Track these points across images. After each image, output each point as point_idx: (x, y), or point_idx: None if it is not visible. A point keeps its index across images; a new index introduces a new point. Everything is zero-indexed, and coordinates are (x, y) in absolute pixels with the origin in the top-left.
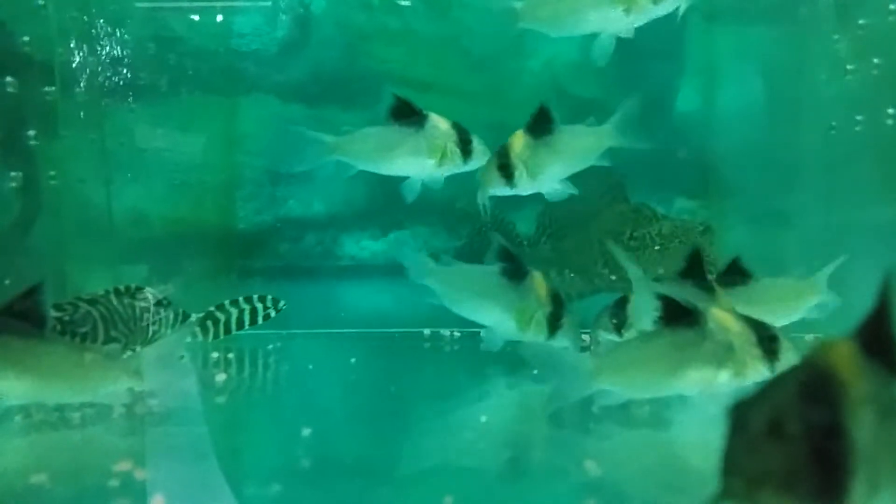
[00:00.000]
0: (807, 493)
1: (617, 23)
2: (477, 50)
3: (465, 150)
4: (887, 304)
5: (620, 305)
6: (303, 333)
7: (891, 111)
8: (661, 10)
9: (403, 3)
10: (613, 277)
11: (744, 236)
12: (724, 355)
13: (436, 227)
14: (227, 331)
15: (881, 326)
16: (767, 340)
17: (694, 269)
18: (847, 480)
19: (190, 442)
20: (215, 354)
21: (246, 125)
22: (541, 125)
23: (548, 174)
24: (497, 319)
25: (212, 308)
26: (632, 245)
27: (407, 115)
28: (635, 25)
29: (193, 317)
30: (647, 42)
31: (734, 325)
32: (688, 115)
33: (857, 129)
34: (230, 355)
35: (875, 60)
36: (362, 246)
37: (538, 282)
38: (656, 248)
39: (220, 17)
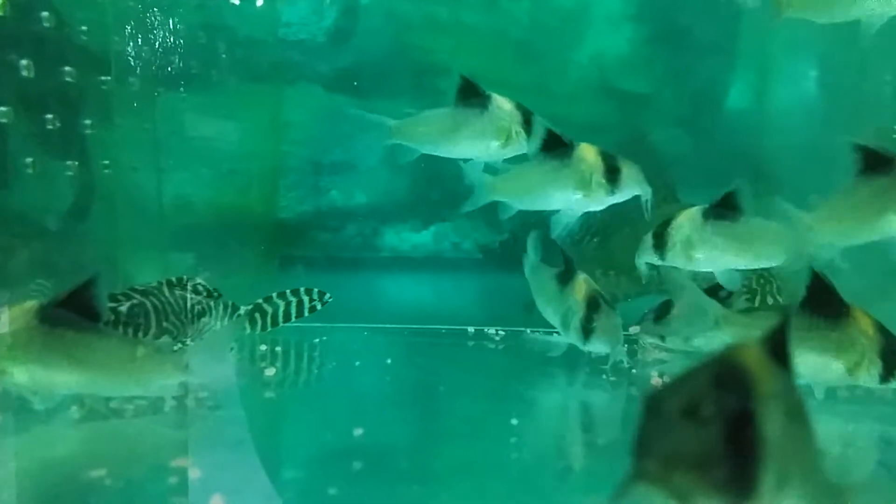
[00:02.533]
0: (719, 477)
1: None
2: (525, 42)
3: (530, 132)
4: (787, 321)
5: (664, 308)
6: (344, 327)
7: None
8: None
9: None
10: (662, 279)
11: None
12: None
13: (477, 220)
14: (275, 323)
15: (783, 338)
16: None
17: None
18: (758, 467)
19: (237, 438)
20: (263, 347)
21: (291, 114)
22: (723, 208)
23: (709, 262)
24: (553, 320)
25: (260, 300)
26: None
27: (471, 96)
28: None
29: (242, 309)
30: (699, 36)
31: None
32: (740, 112)
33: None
34: (278, 348)
35: None
36: (403, 238)
37: (579, 285)
38: None
39: (267, 7)
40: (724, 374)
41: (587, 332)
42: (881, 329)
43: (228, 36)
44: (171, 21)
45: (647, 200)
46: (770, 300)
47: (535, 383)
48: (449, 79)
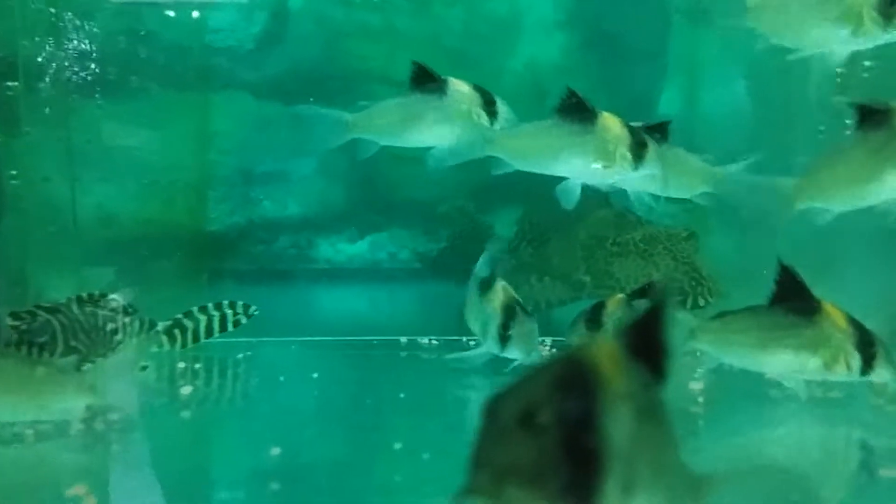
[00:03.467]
0: (554, 489)
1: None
2: (459, 49)
3: (491, 113)
4: (659, 309)
5: (596, 311)
6: (274, 341)
7: None
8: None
9: None
10: (596, 284)
11: (726, 241)
12: None
13: (415, 229)
14: (196, 339)
15: (650, 330)
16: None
17: None
18: (598, 477)
19: (144, 462)
20: (182, 364)
21: (219, 123)
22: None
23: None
24: (478, 332)
25: (179, 315)
26: (614, 250)
27: (426, 82)
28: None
29: (160, 325)
30: (631, 43)
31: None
32: (670, 118)
33: (847, 132)
34: (197, 365)
35: (866, 63)
36: (338, 249)
37: (497, 293)
38: (639, 253)
39: (194, 13)
40: (566, 375)
41: (504, 339)
42: (854, 322)
43: (151, 42)
44: (87, 26)
45: (662, 179)
46: (702, 301)
47: (464, 394)
48: (383, 85)
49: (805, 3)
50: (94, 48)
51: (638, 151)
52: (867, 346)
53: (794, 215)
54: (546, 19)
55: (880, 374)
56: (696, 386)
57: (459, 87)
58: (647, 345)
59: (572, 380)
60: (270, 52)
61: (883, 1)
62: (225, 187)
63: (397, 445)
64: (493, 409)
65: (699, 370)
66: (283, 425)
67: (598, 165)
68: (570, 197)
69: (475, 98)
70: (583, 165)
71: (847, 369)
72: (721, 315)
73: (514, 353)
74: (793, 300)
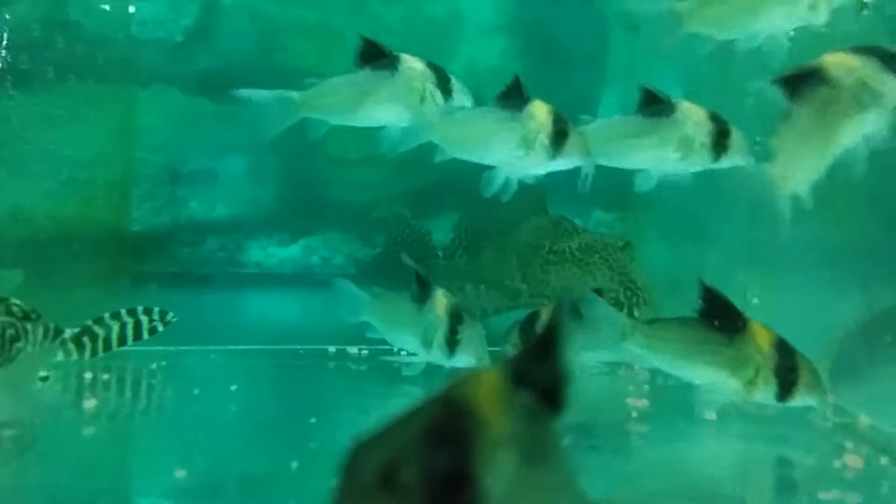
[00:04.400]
0: None
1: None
2: (398, 49)
3: (445, 90)
4: (553, 332)
5: (531, 321)
6: (196, 350)
7: None
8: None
9: None
10: (532, 293)
11: (662, 250)
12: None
13: (349, 234)
14: (108, 347)
15: (543, 356)
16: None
17: None
18: None
19: (33, 484)
20: (89, 375)
21: (145, 118)
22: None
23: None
24: (411, 345)
25: (89, 322)
26: (550, 259)
27: (376, 58)
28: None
29: (67, 332)
30: (571, 48)
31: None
32: None
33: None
34: (106, 376)
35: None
36: (269, 253)
37: (439, 300)
38: (575, 262)
39: (121, 3)
40: (437, 421)
41: (452, 345)
42: (779, 345)
43: (71, 32)
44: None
45: (586, 174)
46: (636, 311)
47: (395, 405)
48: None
49: None
50: (4, 35)
51: (558, 140)
52: (788, 372)
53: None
54: (487, 23)
55: (802, 400)
56: (637, 402)
57: (412, 64)
58: (540, 373)
59: (443, 427)
60: (200, 46)
61: None
62: (150, 186)
63: (314, 464)
64: (351, 463)
65: (644, 386)
66: (190, 443)
67: (519, 153)
68: (491, 186)
69: (429, 75)
70: (506, 153)
71: (764, 393)
72: (653, 320)
73: (464, 360)
74: (719, 316)
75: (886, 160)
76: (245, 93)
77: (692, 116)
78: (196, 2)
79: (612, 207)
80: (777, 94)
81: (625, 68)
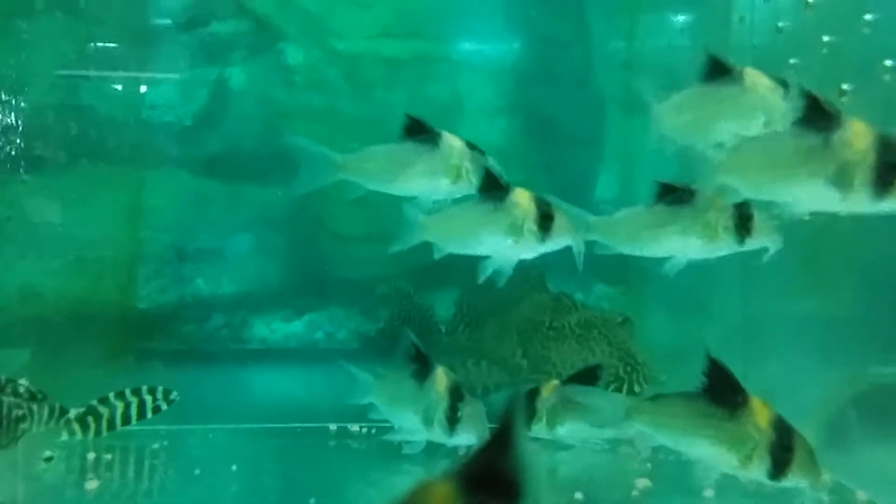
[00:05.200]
0: None
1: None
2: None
3: (479, 170)
4: (508, 433)
5: (531, 397)
6: (198, 429)
7: None
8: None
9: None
10: (532, 368)
11: (663, 325)
12: None
13: (352, 309)
14: (112, 427)
15: (498, 456)
16: None
17: None
18: None
19: None
20: (92, 455)
21: (153, 199)
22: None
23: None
24: (410, 422)
25: (94, 402)
26: (551, 335)
27: (419, 133)
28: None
29: (72, 412)
30: (569, 129)
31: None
32: (607, 203)
33: (775, 221)
34: (108, 456)
35: None
36: (273, 328)
37: (440, 378)
38: (575, 338)
39: (132, 88)
40: None
41: (452, 422)
42: (777, 423)
43: (85, 116)
44: (13, 100)
45: (578, 252)
46: (637, 387)
47: (394, 485)
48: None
49: (712, 103)
50: (18, 122)
51: (545, 224)
52: (783, 451)
53: None
54: (487, 104)
55: (794, 481)
56: (640, 483)
57: (452, 142)
58: (496, 475)
59: None
60: (209, 129)
61: (787, 92)
62: (157, 264)
63: None
64: None
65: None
66: None
67: (508, 241)
68: (486, 274)
69: (467, 153)
70: (496, 242)
71: (759, 471)
72: (656, 397)
73: (465, 438)
74: (722, 391)
75: (874, 235)
76: (294, 140)
77: (713, 203)
78: (205, 87)
79: (613, 281)
80: None
81: (621, 149)
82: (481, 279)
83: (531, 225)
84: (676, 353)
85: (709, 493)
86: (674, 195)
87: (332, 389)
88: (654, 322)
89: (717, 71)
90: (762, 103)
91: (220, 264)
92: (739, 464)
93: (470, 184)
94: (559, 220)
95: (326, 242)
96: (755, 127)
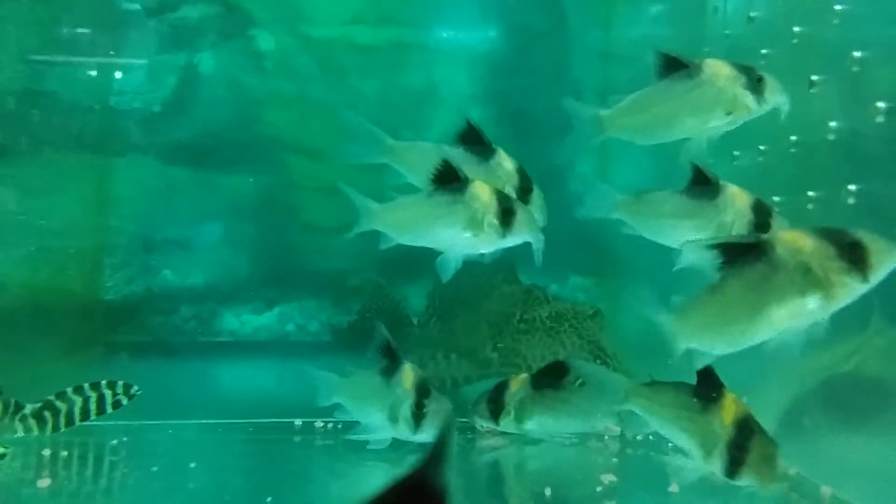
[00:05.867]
0: None
1: None
2: (374, 120)
3: (506, 223)
4: (437, 457)
5: (499, 391)
6: (165, 424)
7: (777, 199)
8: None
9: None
10: (503, 361)
11: (634, 319)
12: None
13: (324, 301)
14: (70, 422)
15: (424, 481)
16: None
17: None
18: None
19: None
20: (47, 452)
21: (120, 188)
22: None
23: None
24: (376, 419)
25: (51, 397)
26: (521, 328)
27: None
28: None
29: (28, 408)
30: (544, 118)
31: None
32: (582, 194)
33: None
34: (63, 453)
35: (761, 147)
36: (244, 320)
37: (406, 374)
38: (546, 330)
39: (98, 74)
40: None
41: (418, 419)
42: (741, 422)
43: (46, 102)
44: None
45: (538, 249)
46: None
47: (360, 483)
48: (293, 154)
49: (668, 100)
50: None
51: (506, 219)
52: (739, 451)
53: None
54: (462, 93)
55: (749, 482)
56: (606, 478)
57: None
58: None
59: None
60: (178, 116)
61: (749, 80)
62: (123, 255)
63: None
64: None
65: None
66: None
67: (467, 235)
68: (448, 270)
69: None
70: (453, 236)
71: (718, 468)
72: (652, 383)
73: (430, 434)
74: (702, 385)
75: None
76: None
77: (735, 203)
78: (174, 73)
79: (588, 273)
80: None
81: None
82: (445, 278)
83: (492, 219)
84: (647, 347)
85: (673, 488)
86: (703, 187)
87: (303, 384)
88: (629, 313)
89: (673, 66)
90: (722, 95)
91: (189, 255)
92: (703, 458)
93: (495, 236)
94: (520, 215)
95: (298, 233)
96: (717, 119)
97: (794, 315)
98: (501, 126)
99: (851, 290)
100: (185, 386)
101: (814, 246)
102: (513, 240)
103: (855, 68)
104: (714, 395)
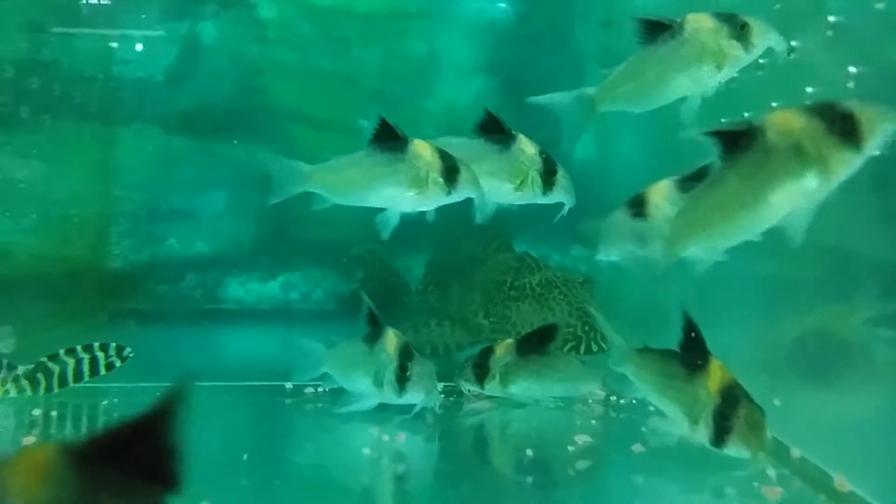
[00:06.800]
0: None
1: None
2: (376, 89)
3: (451, 179)
4: (164, 413)
5: (484, 356)
6: (156, 387)
7: None
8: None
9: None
10: (494, 328)
11: (635, 286)
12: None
13: (327, 269)
14: (63, 383)
15: (148, 434)
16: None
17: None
18: None
19: None
20: (37, 412)
21: (125, 157)
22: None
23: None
24: (362, 385)
25: (43, 358)
26: (512, 294)
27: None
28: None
29: (21, 369)
30: (546, 89)
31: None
32: (584, 162)
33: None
34: (53, 413)
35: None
36: (248, 289)
37: (389, 339)
38: (535, 297)
39: (101, 42)
40: None
41: (402, 381)
42: (727, 390)
43: (49, 71)
44: None
45: (480, 205)
46: (594, 347)
47: (347, 441)
48: (296, 124)
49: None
50: None
51: (450, 176)
52: (725, 419)
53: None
54: (464, 63)
55: (735, 451)
56: (580, 439)
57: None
58: (138, 450)
59: None
60: (181, 86)
61: (733, 28)
62: (129, 223)
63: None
64: None
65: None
66: None
67: (411, 193)
68: (388, 227)
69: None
70: (395, 194)
71: (703, 435)
72: (643, 349)
73: (415, 397)
74: (688, 352)
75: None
76: (261, 156)
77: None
78: (177, 42)
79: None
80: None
81: None
82: (385, 236)
83: (436, 176)
84: (638, 315)
85: (637, 447)
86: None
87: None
88: (628, 282)
89: (656, 30)
90: (706, 49)
91: (194, 224)
92: (689, 427)
93: (441, 193)
94: (464, 173)
95: (300, 201)
96: (708, 74)
97: (795, 197)
98: (504, 96)
99: (848, 162)
100: (188, 353)
101: (803, 124)
102: (457, 196)
103: (829, 32)
104: (700, 362)
